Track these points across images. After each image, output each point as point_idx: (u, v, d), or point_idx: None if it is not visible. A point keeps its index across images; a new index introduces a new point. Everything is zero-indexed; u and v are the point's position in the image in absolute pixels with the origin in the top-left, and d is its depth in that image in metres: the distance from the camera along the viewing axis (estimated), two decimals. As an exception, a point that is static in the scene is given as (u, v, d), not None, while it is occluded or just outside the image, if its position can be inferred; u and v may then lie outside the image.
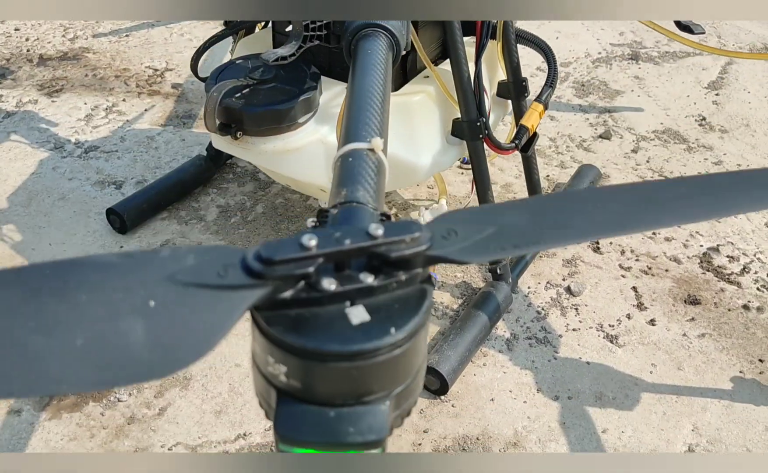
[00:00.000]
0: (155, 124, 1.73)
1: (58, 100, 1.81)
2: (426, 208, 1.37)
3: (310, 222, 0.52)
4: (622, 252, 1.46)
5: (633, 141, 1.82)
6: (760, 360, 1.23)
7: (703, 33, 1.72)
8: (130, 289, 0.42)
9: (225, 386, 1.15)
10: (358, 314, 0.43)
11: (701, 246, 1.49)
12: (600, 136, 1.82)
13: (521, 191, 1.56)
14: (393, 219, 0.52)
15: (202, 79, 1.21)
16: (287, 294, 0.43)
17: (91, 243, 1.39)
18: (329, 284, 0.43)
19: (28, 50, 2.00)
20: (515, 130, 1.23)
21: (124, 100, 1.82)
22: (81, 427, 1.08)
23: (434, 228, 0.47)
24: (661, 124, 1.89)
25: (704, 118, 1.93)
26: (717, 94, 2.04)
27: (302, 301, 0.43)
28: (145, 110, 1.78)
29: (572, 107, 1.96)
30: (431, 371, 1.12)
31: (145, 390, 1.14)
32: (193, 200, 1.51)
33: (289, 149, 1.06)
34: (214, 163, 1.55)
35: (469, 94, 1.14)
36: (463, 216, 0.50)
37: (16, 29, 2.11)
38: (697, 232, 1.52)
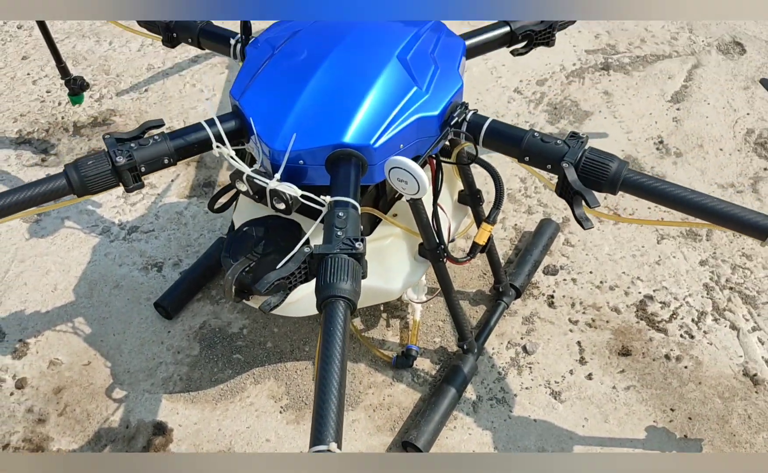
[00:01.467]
0: (182, 196, 2.04)
1: (97, 174, 2.11)
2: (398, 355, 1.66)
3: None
4: (572, 305, 1.77)
5: (595, 174, 2.07)
6: (672, 410, 1.57)
7: None
8: None
9: (259, 457, 1.54)
10: None
11: (640, 292, 1.79)
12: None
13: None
14: None
15: (218, 211, 1.52)
16: None
17: (145, 330, 1.75)
18: None
19: (62, 118, 2.28)
20: (471, 245, 1.52)
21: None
22: None
23: None
24: (622, 150, 2.13)
25: (662, 141, 2.15)
26: (678, 109, 2.25)
27: None
28: (172, 180, 2.08)
29: (544, 136, 2.19)
30: (411, 445, 1.49)
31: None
32: (220, 278, 1.85)
33: (290, 302, 1.38)
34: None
35: (429, 229, 1.43)
36: None
37: (48, 92, 2.38)
38: (638, 278, 1.82)
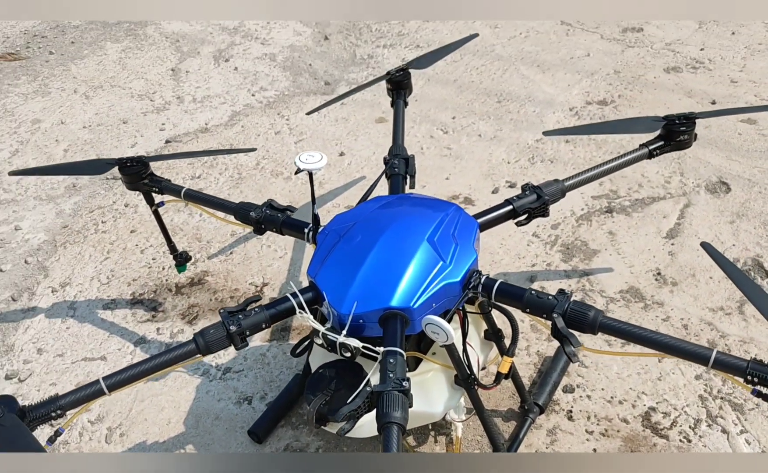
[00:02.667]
0: (264, 340, 2.53)
1: (196, 326, 2.63)
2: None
3: None
4: (588, 418, 2.14)
5: (603, 304, 2.48)
6: (672, 503, 1.90)
7: None
8: None
9: None
10: None
11: (644, 405, 2.15)
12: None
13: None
14: None
15: (298, 355, 1.98)
16: None
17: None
18: None
19: (166, 280, 2.84)
20: (496, 374, 1.92)
21: (239, 318, 2.62)
22: None
23: None
24: (626, 282, 2.54)
25: (659, 272, 2.56)
26: (672, 244, 2.66)
27: None
28: (255, 328, 2.57)
29: (559, 273, 2.63)
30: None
31: None
32: (298, 407, 2.29)
33: (358, 426, 1.80)
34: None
35: (461, 364, 1.85)
36: None
37: (153, 259, 2.95)
38: (643, 393, 2.18)
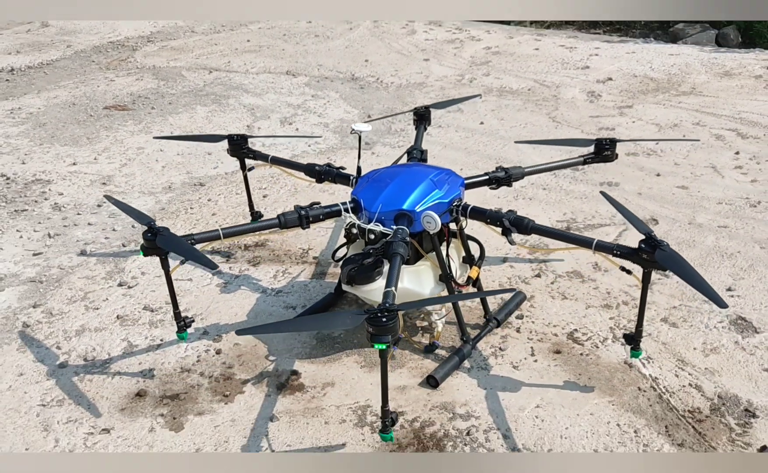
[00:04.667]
0: (307, 278, 3.50)
1: (258, 268, 3.61)
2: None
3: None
4: (530, 331, 3.04)
5: (554, 278, 3.42)
6: (579, 374, 2.77)
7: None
8: None
9: (348, 388, 2.81)
10: None
11: (571, 328, 3.05)
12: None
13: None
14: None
15: (338, 260, 2.96)
16: None
17: (289, 335, 3.11)
18: None
19: (238, 243, 3.85)
20: (467, 277, 2.88)
21: (290, 267, 3.61)
22: (293, 402, 2.76)
23: None
24: (572, 267, 3.49)
25: (596, 264, 3.51)
26: (609, 249, 3.62)
27: None
28: (301, 271, 3.56)
29: (525, 260, 3.59)
30: (433, 378, 2.73)
31: (316, 389, 2.81)
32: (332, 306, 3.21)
33: (373, 288, 2.75)
34: (338, 296, 3.27)
35: (443, 267, 2.82)
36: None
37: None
38: (570, 323, 3.09)
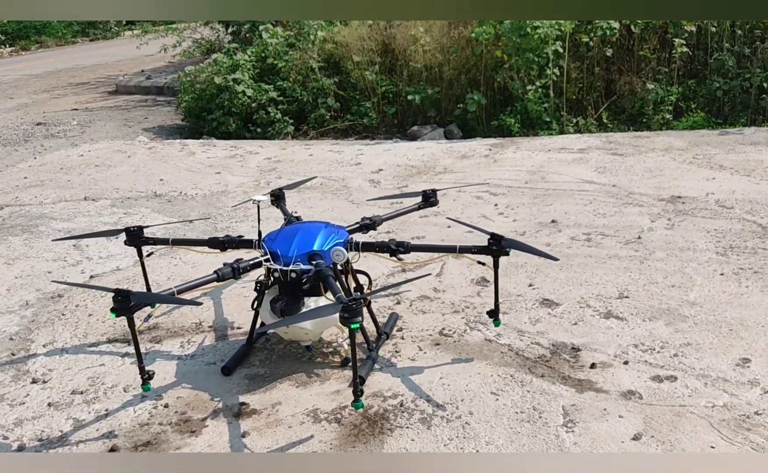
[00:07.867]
0: (212, 341, 3.97)
1: (162, 343, 3.97)
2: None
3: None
4: (412, 338, 3.94)
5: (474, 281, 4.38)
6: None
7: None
8: None
9: (292, 404, 3.38)
10: None
11: (440, 329, 4.01)
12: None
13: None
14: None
15: (255, 309, 3.56)
16: None
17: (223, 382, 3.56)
18: None
19: (129, 329, 4.14)
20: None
21: (191, 337, 4.03)
22: (251, 425, 3.25)
23: None
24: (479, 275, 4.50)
25: (484, 278, 4.57)
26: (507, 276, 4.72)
27: None
28: (204, 338, 4.01)
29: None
30: (362, 378, 3.45)
31: (266, 412, 3.33)
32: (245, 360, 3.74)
33: (301, 325, 3.41)
34: (251, 347, 3.81)
35: (347, 292, 3.60)
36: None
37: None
38: (436, 326, 4.06)
